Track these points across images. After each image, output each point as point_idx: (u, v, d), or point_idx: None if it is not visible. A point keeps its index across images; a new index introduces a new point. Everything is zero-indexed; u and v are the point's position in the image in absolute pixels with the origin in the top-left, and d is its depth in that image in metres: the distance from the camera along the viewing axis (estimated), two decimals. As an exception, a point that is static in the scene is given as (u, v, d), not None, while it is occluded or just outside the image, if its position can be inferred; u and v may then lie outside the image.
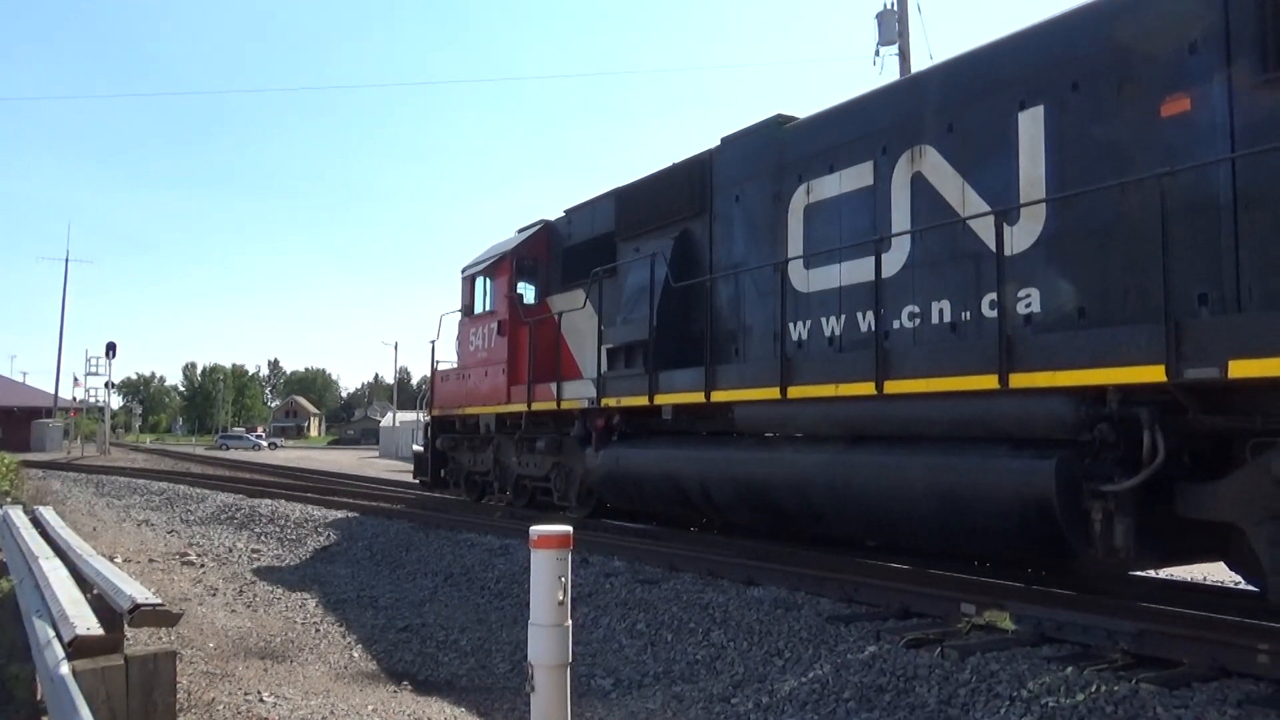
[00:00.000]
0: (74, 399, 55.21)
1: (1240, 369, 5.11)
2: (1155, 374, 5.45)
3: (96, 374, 51.54)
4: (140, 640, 6.08)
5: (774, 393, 8.16)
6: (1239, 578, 8.28)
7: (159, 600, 4.81)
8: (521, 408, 12.55)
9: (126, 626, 4.89)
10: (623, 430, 10.84)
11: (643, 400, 10.01)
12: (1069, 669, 5.01)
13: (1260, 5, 5.62)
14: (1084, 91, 6.61)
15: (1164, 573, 7.87)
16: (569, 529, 4.64)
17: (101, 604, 5.26)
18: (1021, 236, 6.89)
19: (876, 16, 19.49)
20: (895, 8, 19.42)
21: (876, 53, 19.48)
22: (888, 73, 19.42)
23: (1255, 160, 5.53)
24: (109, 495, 20.72)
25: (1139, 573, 7.44)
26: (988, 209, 7.01)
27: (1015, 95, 7.06)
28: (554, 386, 11.72)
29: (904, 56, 19.17)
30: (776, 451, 8.50)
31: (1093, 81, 6.55)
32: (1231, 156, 5.65)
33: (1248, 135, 5.65)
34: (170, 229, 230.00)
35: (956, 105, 7.54)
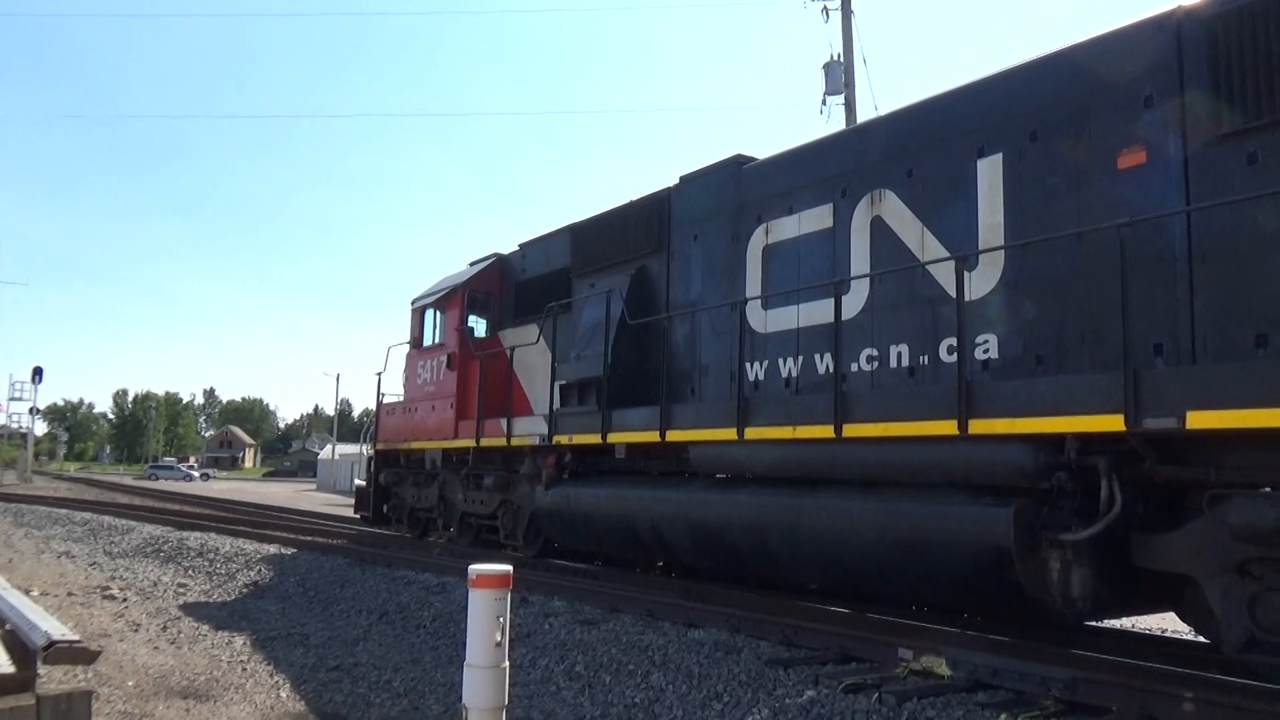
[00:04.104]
0: (-5, 424, 53.07)
1: (1198, 420, 5.14)
2: (1114, 423, 5.46)
3: (20, 399, 49.74)
4: (55, 679, 5.72)
5: (730, 433, 8.06)
6: (1168, 625, 8.42)
7: (76, 636, 4.51)
8: (469, 443, 12.28)
9: (40, 664, 4.56)
10: (574, 469, 10.63)
11: (595, 438, 9.83)
12: (1003, 715, 5.05)
13: (1214, 61, 5.76)
14: (1042, 141, 6.71)
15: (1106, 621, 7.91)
16: (508, 568, 4.49)
17: (14, 640, 4.92)
18: (980, 282, 6.93)
19: (824, 67, 19.96)
20: (841, 59, 19.91)
21: (823, 102, 19.95)
22: (834, 121, 19.88)
23: (1211, 213, 5.63)
24: (28, 525, 19.78)
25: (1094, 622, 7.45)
26: (947, 254, 7.05)
27: (974, 143, 7.15)
28: (504, 422, 11.49)
29: (849, 107, 19.63)
30: (732, 493, 8.38)
31: (1050, 132, 6.66)
32: (1189, 209, 5.75)
33: (1203, 188, 5.76)
34: (105, 254, 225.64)
35: (916, 151, 7.61)
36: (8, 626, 5.23)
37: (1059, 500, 5.96)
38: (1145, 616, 8.25)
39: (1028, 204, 6.74)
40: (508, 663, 4.36)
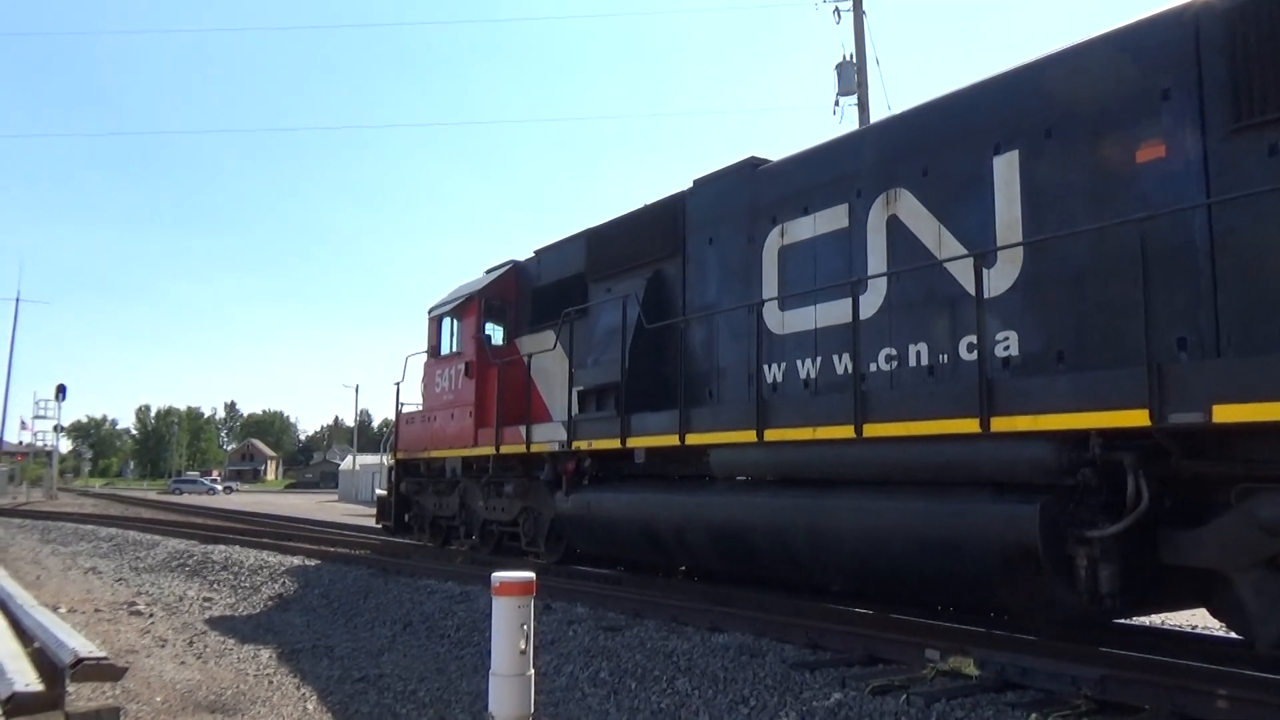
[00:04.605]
0: (20, 443, 53.58)
1: (1224, 414, 5.07)
2: (1139, 418, 5.40)
3: (45, 417, 50.21)
4: (83, 695, 5.75)
5: (750, 435, 8.03)
6: (1198, 622, 8.31)
7: (103, 654, 4.56)
8: (489, 451, 12.30)
9: (69, 681, 4.61)
10: (594, 474, 10.63)
11: (615, 443, 9.82)
12: (1033, 715, 5.01)
13: (1231, 53, 5.70)
14: (1058, 137, 6.65)
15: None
16: (531, 575, 4.50)
17: (43, 658, 4.98)
18: (999, 279, 6.88)
19: (836, 68, 19.90)
20: (854, 60, 19.84)
21: (836, 103, 19.88)
22: (848, 122, 19.81)
23: (1232, 206, 5.56)
24: (55, 542, 19.98)
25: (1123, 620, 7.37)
26: (964, 252, 7.00)
27: (990, 140, 7.10)
28: (523, 429, 11.50)
29: (863, 107, 19.57)
30: (753, 496, 8.34)
31: (1067, 127, 6.60)
32: (1209, 202, 5.68)
33: (1223, 181, 5.69)
34: (125, 270, 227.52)
35: (931, 149, 7.56)
36: (36, 644, 5.29)
37: (1084, 497, 5.89)
38: (1176, 614, 8.15)
39: (1045, 200, 6.68)
40: (532, 670, 4.36)
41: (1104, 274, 6.25)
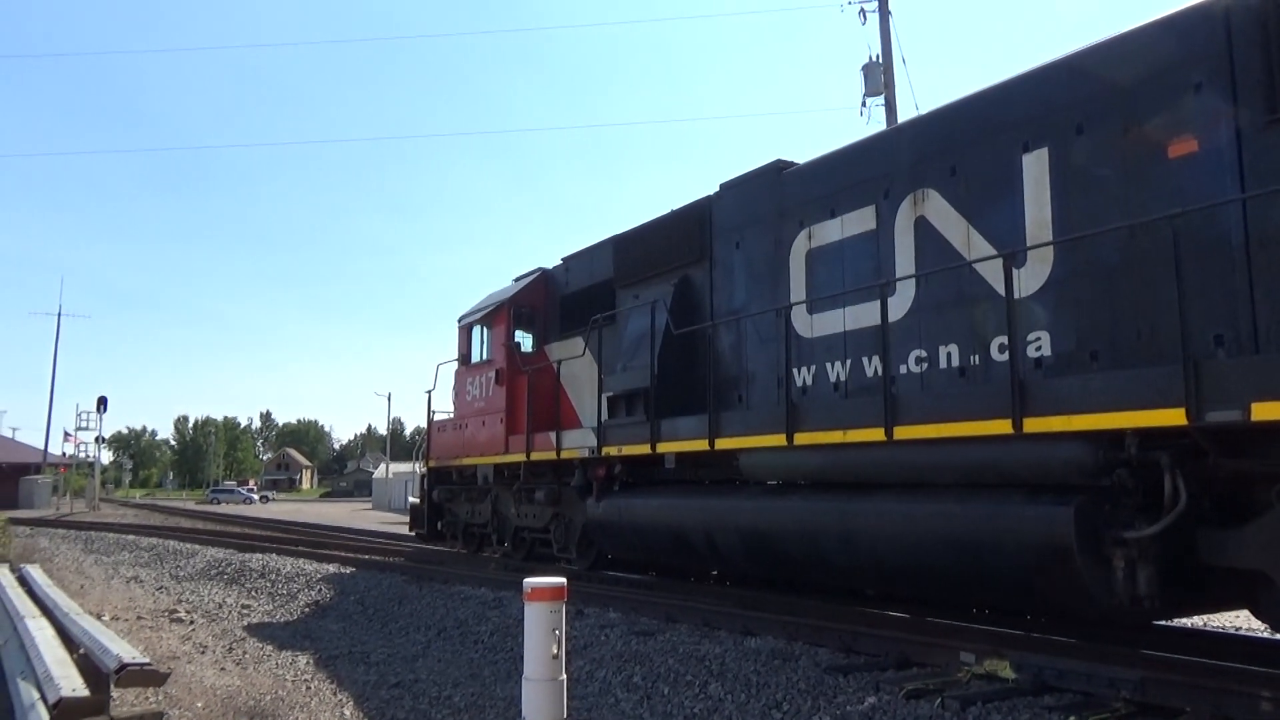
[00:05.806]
0: (64, 454, 54.56)
1: (1264, 411, 4.98)
2: (1175, 417, 5.32)
3: (87, 429, 51.06)
4: (127, 701, 5.86)
5: (780, 439, 8.01)
6: (1241, 623, 8.16)
7: (146, 659, 4.64)
8: (520, 458, 12.37)
9: (113, 687, 4.70)
10: (624, 479, 10.65)
11: (645, 449, 9.84)
12: (1071, 718, 4.96)
13: (1265, 46, 5.62)
14: (1089, 133, 6.59)
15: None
16: (563, 580, 4.53)
17: (88, 664, 5.08)
18: (1030, 279, 6.82)
19: (862, 69, 19.82)
20: (880, 60, 19.75)
21: (863, 104, 19.79)
22: (875, 123, 19.72)
23: (1267, 199, 5.47)
24: (98, 552, 20.33)
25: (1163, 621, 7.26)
26: (993, 252, 6.95)
27: (1019, 138, 7.04)
28: (553, 436, 11.56)
29: (890, 108, 19.46)
30: (784, 500, 8.32)
31: (1097, 124, 6.54)
32: (1244, 197, 5.59)
33: (1257, 175, 5.61)
34: (162, 283, 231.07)
35: (959, 148, 7.52)
36: (81, 651, 5.40)
37: (1120, 497, 5.81)
38: (1219, 615, 8.02)
39: (1076, 197, 6.62)
40: (565, 675, 4.38)
41: (1137, 271, 6.18)
